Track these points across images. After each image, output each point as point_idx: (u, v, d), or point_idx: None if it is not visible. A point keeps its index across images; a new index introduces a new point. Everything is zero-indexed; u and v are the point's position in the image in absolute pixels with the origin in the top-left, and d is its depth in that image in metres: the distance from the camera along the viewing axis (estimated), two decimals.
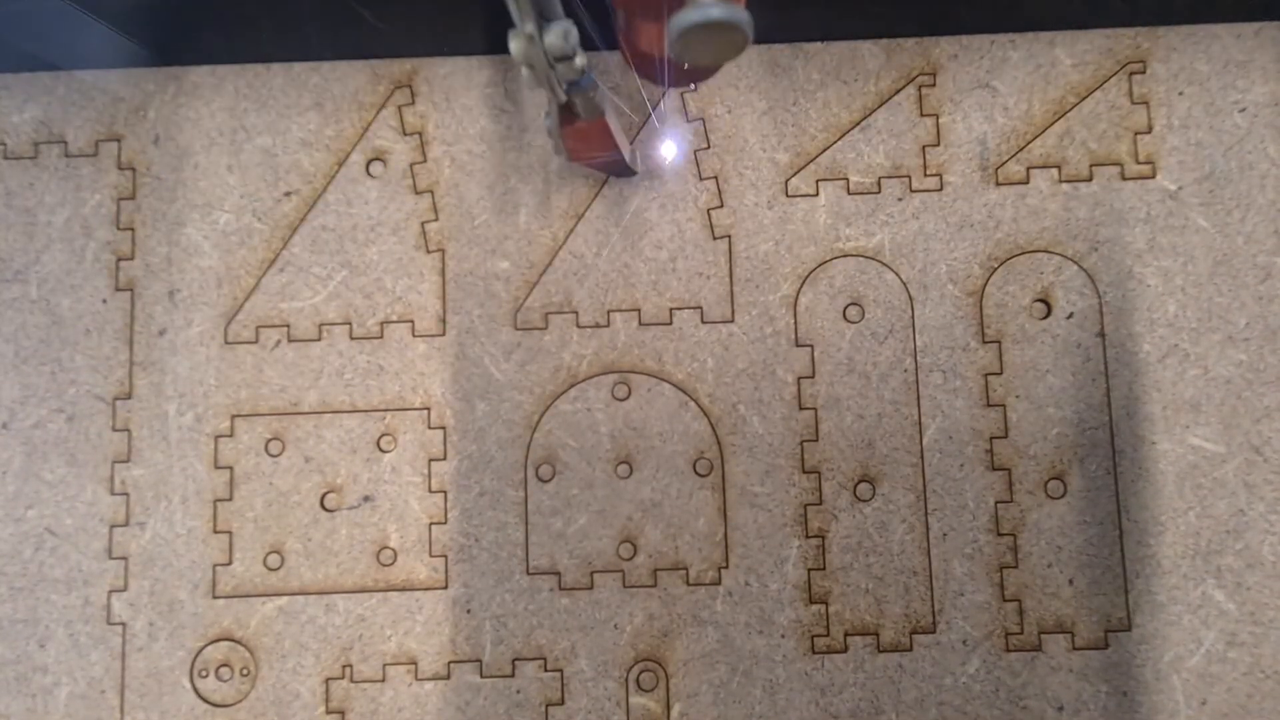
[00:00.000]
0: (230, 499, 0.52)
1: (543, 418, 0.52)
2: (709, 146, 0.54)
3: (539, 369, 0.53)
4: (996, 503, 0.51)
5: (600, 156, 0.49)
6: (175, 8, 0.51)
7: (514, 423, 0.52)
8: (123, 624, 0.51)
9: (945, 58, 0.54)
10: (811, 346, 0.53)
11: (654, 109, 0.54)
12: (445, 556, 0.52)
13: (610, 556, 0.52)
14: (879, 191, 0.53)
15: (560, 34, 0.38)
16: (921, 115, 0.54)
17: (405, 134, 0.54)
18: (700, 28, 0.32)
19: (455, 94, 0.54)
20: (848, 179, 0.53)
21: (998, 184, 0.53)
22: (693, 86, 0.54)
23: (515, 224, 0.54)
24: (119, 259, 0.54)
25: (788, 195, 0.54)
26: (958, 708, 0.50)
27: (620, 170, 0.52)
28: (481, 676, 0.51)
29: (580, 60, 0.39)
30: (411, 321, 0.53)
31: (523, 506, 0.52)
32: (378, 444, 0.52)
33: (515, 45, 0.38)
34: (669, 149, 0.54)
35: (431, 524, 0.52)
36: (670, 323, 0.53)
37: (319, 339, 0.53)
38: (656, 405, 0.52)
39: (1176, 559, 0.51)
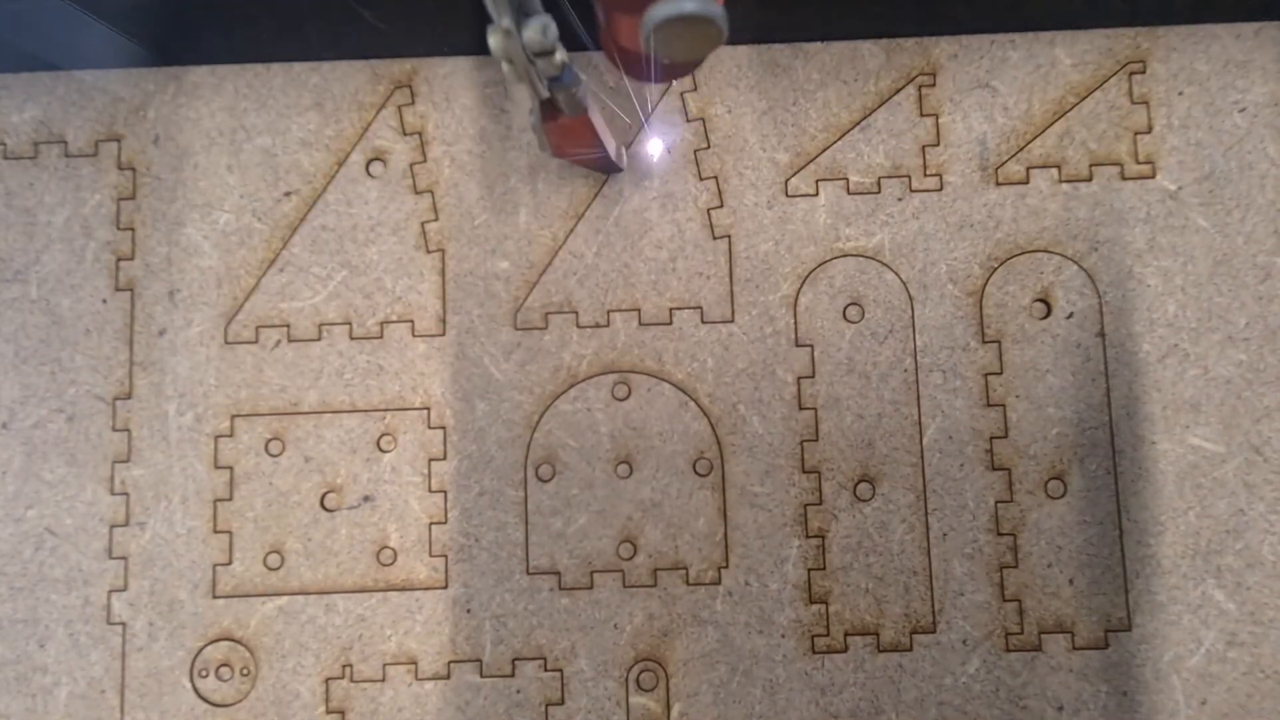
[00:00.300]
0: (230, 499, 0.52)
1: (543, 418, 0.52)
2: (709, 146, 0.54)
3: (539, 369, 0.53)
4: (996, 503, 0.51)
5: (585, 152, 0.49)
6: (175, 8, 0.51)
7: (514, 423, 0.52)
8: (123, 624, 0.51)
9: (945, 58, 0.54)
10: (811, 346, 0.53)
11: (640, 105, 0.54)
12: (445, 556, 0.52)
13: (610, 556, 0.52)
14: (879, 191, 0.53)
15: (539, 29, 0.37)
16: (921, 115, 0.54)
17: (405, 134, 0.54)
18: (675, 21, 0.32)
19: (455, 94, 0.54)
20: (848, 179, 0.53)
21: (998, 184, 0.53)
22: (692, 84, 0.54)
23: (515, 224, 0.54)
24: (119, 259, 0.54)
25: (788, 195, 0.54)
26: (958, 708, 0.50)
27: (606, 166, 0.52)
28: (481, 676, 0.51)
29: (560, 56, 0.39)
30: (411, 321, 0.53)
31: (523, 506, 0.52)
32: (378, 444, 0.52)
33: (494, 40, 0.37)
34: (655, 146, 0.53)
35: (431, 524, 0.52)
36: (670, 323, 0.53)
37: (319, 339, 0.53)
38: (656, 405, 0.52)
39: (1176, 559, 0.51)
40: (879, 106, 0.54)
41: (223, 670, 0.51)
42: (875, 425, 0.52)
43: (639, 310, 0.53)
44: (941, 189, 0.53)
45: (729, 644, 0.51)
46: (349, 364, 0.53)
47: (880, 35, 0.54)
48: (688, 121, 0.54)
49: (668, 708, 0.51)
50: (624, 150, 0.53)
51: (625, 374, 0.53)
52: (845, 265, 0.53)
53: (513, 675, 0.51)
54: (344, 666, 0.51)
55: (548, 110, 0.44)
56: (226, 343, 0.53)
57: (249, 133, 0.54)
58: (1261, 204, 0.53)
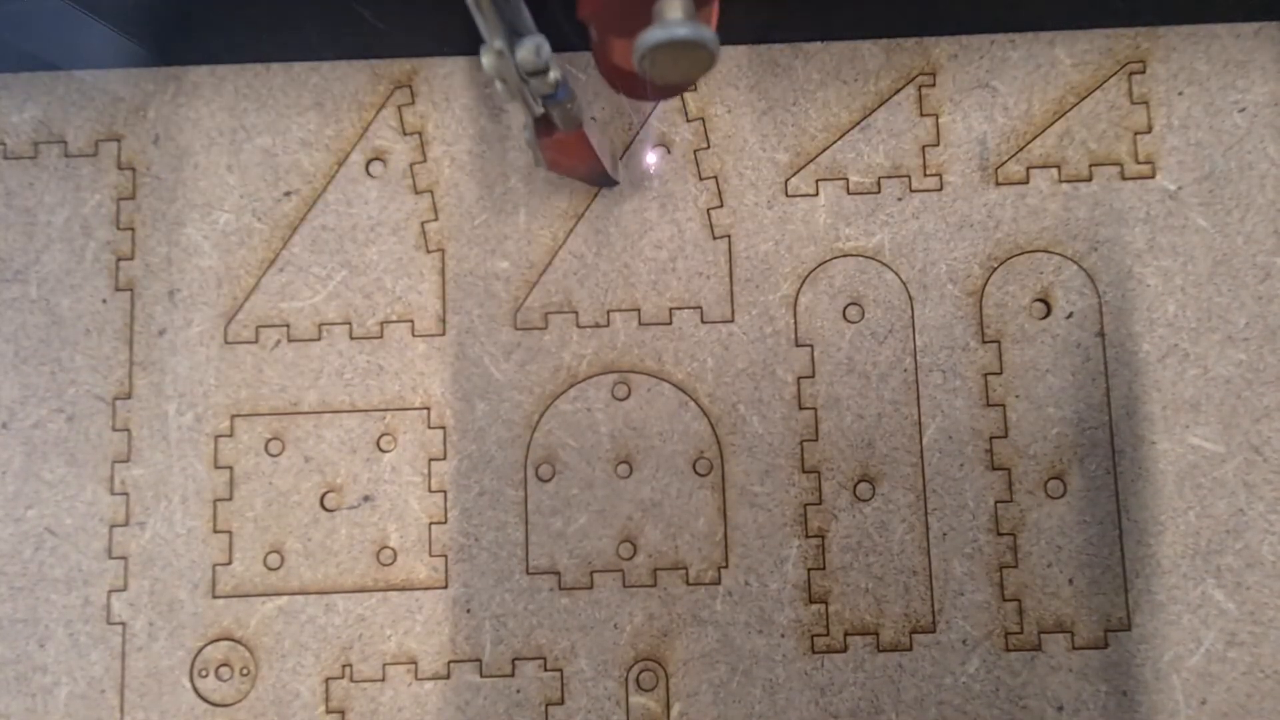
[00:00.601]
0: (230, 499, 0.52)
1: (543, 417, 0.52)
2: (709, 146, 0.54)
3: (539, 369, 0.53)
4: (996, 502, 0.51)
5: (580, 167, 0.49)
6: (175, 8, 0.51)
7: (514, 422, 0.52)
8: (123, 624, 0.51)
9: (945, 58, 0.54)
10: (811, 346, 0.53)
11: (645, 126, 0.54)
12: (445, 556, 0.52)
13: (610, 556, 0.52)
14: (879, 191, 0.53)
15: (532, 49, 0.37)
16: (921, 115, 0.54)
17: (405, 134, 0.54)
18: (666, 46, 0.33)
19: (455, 94, 0.54)
20: (847, 179, 0.53)
21: (997, 184, 0.53)
22: (692, 85, 0.54)
23: (515, 224, 0.54)
24: (119, 259, 0.54)
25: (788, 195, 0.54)
26: (957, 707, 0.50)
27: (601, 180, 0.52)
28: (481, 676, 0.51)
29: (554, 74, 0.39)
30: (411, 321, 0.53)
31: (523, 506, 0.52)
32: (378, 444, 0.53)
33: (486, 61, 0.38)
34: (651, 159, 0.54)
35: (431, 524, 0.52)
36: (670, 323, 0.53)
37: (319, 339, 0.53)
38: (656, 405, 0.52)
39: (1176, 559, 0.51)
40: (879, 106, 0.54)
41: (223, 670, 0.51)
42: (875, 425, 0.52)
43: (639, 310, 0.53)
44: (941, 189, 0.53)
45: (729, 644, 0.51)
46: (349, 364, 0.53)
47: (880, 35, 0.54)
48: (687, 121, 0.54)
49: (668, 708, 0.51)
50: (619, 164, 0.53)
51: (625, 374, 0.53)
52: (845, 265, 0.53)
53: (513, 675, 0.51)
54: (344, 666, 0.51)
55: (542, 126, 0.44)
56: (226, 343, 0.53)
57: (249, 133, 0.54)
58: (1261, 204, 0.53)
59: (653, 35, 0.32)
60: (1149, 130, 0.53)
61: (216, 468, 0.52)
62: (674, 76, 0.34)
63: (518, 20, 0.37)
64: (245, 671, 0.51)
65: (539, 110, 0.42)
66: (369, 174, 0.54)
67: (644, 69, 0.33)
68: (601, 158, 0.48)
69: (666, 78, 0.34)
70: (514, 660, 0.51)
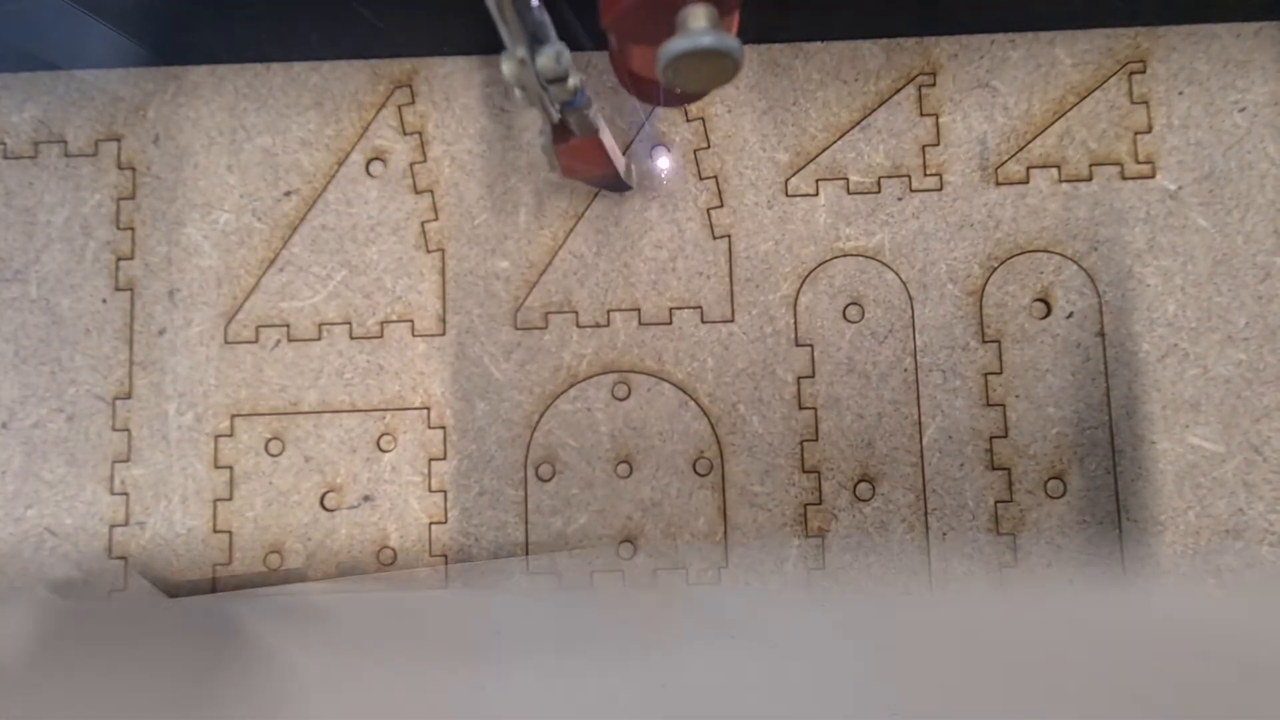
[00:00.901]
0: (230, 499, 0.52)
1: (543, 417, 0.52)
2: (709, 146, 0.54)
3: (539, 369, 0.53)
4: (996, 502, 0.51)
5: (595, 172, 0.49)
6: (175, 7, 0.51)
7: (514, 422, 0.52)
8: None
9: (945, 57, 0.54)
10: (811, 346, 0.53)
11: (645, 125, 0.54)
12: (445, 556, 0.52)
13: (610, 556, 0.52)
14: (879, 191, 0.53)
15: (552, 57, 0.38)
16: (921, 115, 0.54)
17: (405, 134, 0.54)
18: (690, 56, 0.33)
19: (455, 94, 0.54)
20: (848, 179, 0.53)
21: (998, 184, 0.53)
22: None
23: (515, 224, 0.54)
24: (119, 259, 0.54)
25: (788, 195, 0.54)
26: None
27: (615, 185, 0.52)
28: None
29: (573, 81, 0.39)
30: (411, 321, 0.53)
31: (523, 506, 0.52)
32: (378, 444, 0.53)
33: (507, 68, 0.38)
34: (663, 164, 0.54)
35: (431, 524, 0.52)
36: (670, 322, 0.53)
37: (319, 339, 0.53)
38: (656, 405, 0.52)
39: (1176, 559, 0.51)
40: (879, 106, 0.54)
41: None
42: (875, 425, 0.52)
43: (639, 310, 0.53)
44: (941, 189, 0.53)
45: None
46: (349, 364, 0.53)
47: (880, 35, 0.54)
48: (687, 121, 0.54)
49: None
50: (633, 169, 0.53)
51: (625, 374, 0.53)
52: (845, 265, 0.53)
53: None
54: None
55: (559, 133, 0.44)
56: (226, 342, 0.53)
57: (249, 132, 0.54)
58: (1261, 204, 0.53)
59: (677, 45, 0.32)
60: (1149, 130, 0.53)
61: (216, 467, 0.52)
62: (696, 85, 0.34)
63: (539, 28, 0.38)
64: None
65: (556, 117, 0.42)
66: (369, 174, 0.54)
67: (667, 78, 0.33)
68: (616, 163, 0.48)
69: (689, 86, 0.34)
70: None
